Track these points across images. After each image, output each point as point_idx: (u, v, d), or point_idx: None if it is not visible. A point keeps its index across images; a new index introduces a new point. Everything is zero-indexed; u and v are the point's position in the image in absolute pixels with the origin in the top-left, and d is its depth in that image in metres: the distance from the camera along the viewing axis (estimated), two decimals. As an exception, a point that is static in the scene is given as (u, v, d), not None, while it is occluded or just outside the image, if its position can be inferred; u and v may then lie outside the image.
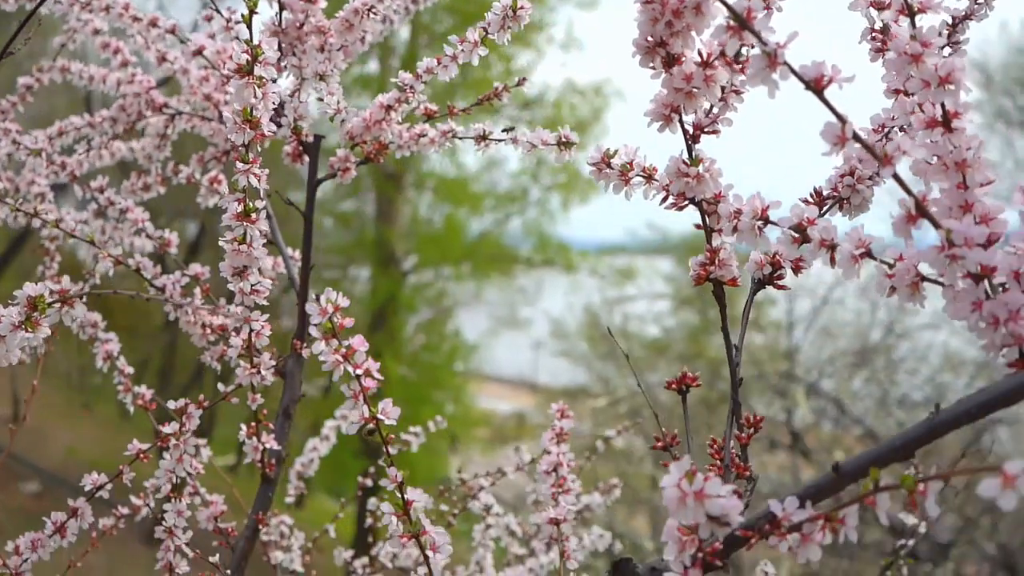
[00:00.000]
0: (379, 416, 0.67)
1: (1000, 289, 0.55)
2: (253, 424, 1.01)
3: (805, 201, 0.73)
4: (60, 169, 1.23)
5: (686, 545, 0.56)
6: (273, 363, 0.96)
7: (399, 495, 0.69)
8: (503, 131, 0.98)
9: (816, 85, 0.54)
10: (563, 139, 0.89)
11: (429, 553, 0.69)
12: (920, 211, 0.54)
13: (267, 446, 1.02)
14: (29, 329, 0.71)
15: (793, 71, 0.53)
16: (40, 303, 0.69)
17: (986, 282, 0.56)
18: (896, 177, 0.54)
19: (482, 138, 0.99)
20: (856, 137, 0.53)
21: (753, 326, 10.18)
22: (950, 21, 0.75)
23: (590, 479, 1.88)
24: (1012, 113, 8.73)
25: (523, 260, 12.13)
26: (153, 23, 1.13)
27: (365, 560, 1.44)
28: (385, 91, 1.05)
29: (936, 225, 0.54)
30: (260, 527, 1.04)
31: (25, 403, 1.13)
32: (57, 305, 0.70)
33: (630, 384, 7.85)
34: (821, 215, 0.72)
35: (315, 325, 0.65)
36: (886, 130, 0.74)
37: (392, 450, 0.71)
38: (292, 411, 1.07)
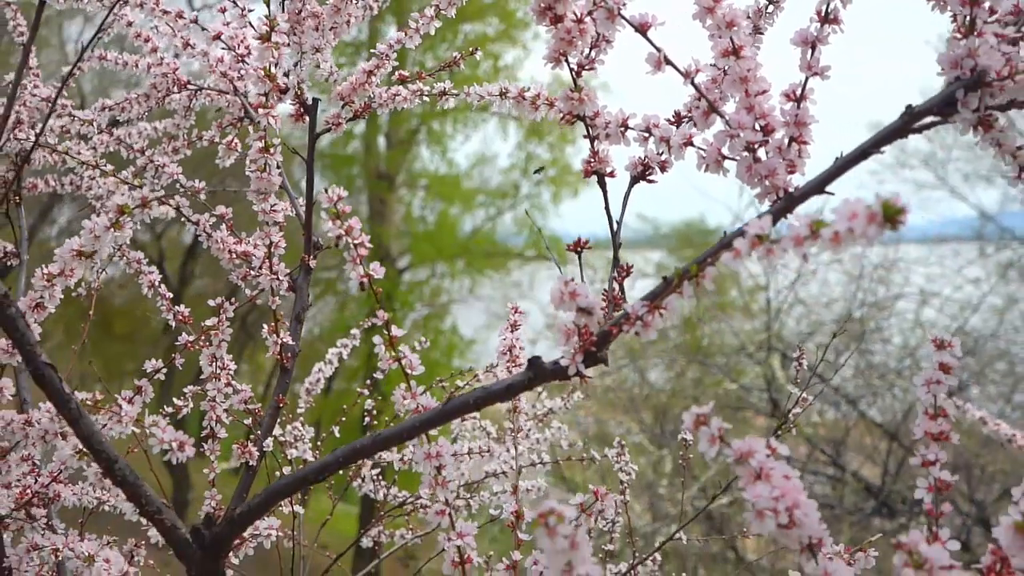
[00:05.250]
0: (371, 272, 0.96)
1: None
2: (273, 324, 1.30)
3: (668, 120, 1.02)
4: (107, 137, 1.51)
5: (570, 335, 0.84)
6: (288, 271, 1.25)
7: (386, 331, 0.98)
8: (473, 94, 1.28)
9: (642, 28, 0.83)
10: (503, 90, 1.18)
11: (408, 371, 0.98)
12: (711, 109, 0.83)
13: (284, 342, 1.31)
14: (117, 229, 1.00)
15: (626, 19, 0.82)
16: (126, 208, 0.98)
17: (763, 153, 0.85)
18: (694, 86, 0.83)
19: (443, 94, 1.28)
20: (667, 60, 0.82)
21: (744, 312, 10.52)
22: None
23: (589, 468, 2.14)
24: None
25: (516, 254, 12.44)
26: (179, 15, 1.42)
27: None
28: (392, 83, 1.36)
29: (721, 116, 0.83)
30: (280, 406, 1.33)
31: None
32: (138, 209, 0.98)
33: (624, 373, 8.17)
34: (679, 128, 1.01)
35: (324, 208, 0.94)
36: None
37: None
38: (303, 317, 1.36)
